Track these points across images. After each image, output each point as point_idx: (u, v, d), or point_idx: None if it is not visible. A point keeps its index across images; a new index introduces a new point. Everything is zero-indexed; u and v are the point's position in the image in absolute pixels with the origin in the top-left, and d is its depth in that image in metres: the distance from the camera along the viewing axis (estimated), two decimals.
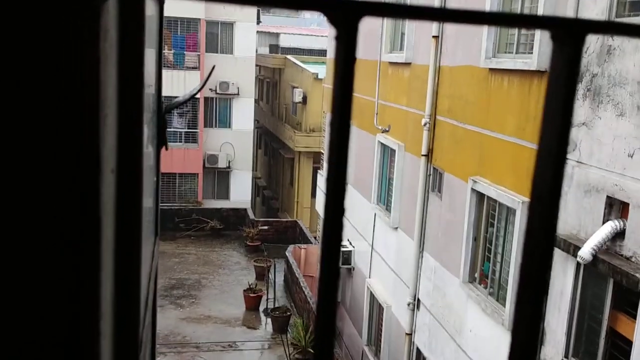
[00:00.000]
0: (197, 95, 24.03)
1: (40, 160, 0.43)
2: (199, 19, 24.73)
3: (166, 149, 1.23)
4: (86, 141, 0.43)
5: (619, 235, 5.78)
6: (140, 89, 0.62)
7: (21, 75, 0.42)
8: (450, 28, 9.79)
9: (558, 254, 6.67)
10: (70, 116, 0.43)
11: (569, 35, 0.36)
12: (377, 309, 12.73)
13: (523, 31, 8.09)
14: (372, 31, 13.04)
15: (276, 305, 16.54)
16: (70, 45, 0.41)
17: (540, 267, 0.41)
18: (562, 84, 0.37)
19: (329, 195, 0.37)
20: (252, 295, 16.92)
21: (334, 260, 0.39)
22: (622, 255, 5.77)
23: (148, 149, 1.07)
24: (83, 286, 0.47)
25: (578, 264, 6.29)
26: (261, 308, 16.96)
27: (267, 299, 16.79)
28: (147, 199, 1.00)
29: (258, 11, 26.81)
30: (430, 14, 0.34)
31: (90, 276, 0.47)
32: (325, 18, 0.36)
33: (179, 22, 24.66)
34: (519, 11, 8.07)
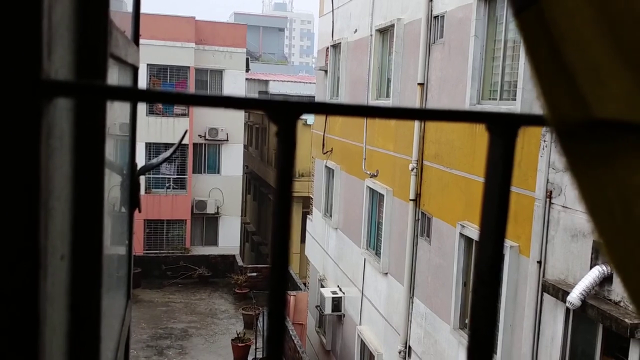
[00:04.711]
0: (186, 142, 24.13)
1: None
2: (189, 67, 25.07)
3: (139, 211, 1.23)
4: (23, 230, 0.43)
5: (607, 279, 5.78)
6: (100, 181, 0.63)
7: None
8: (436, 75, 9.99)
9: (547, 299, 6.63)
10: (4, 209, 0.43)
11: (503, 128, 0.37)
12: (368, 357, 12.50)
13: (506, 78, 8.27)
14: (359, 78, 13.27)
15: (265, 355, 16.20)
16: (7, 144, 0.42)
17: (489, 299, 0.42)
18: (500, 173, 0.38)
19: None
20: (240, 344, 16.59)
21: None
22: (610, 300, 5.75)
23: (120, 213, 1.06)
24: None
25: (567, 310, 6.25)
26: (250, 358, 16.60)
27: (255, 349, 16.46)
28: (117, 264, 0.99)
29: (247, 59, 27.25)
30: (361, 111, 0.35)
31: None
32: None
33: (168, 70, 24.97)
34: (500, 74, 8.24)
